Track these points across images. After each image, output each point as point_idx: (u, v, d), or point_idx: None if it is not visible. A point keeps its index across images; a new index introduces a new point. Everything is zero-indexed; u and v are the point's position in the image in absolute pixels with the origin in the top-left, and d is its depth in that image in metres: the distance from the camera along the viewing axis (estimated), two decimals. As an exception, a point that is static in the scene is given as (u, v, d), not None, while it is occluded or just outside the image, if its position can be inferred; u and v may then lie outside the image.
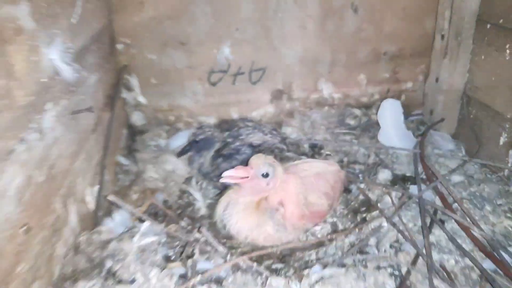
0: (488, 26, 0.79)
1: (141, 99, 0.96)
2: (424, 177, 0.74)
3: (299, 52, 0.97)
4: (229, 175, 0.64)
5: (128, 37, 0.91)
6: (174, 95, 0.97)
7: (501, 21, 0.76)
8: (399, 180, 0.76)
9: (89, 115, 0.64)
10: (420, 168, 0.76)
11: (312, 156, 0.89)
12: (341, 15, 0.93)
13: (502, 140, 0.77)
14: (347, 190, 0.78)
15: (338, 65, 0.99)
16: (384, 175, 0.78)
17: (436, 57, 0.94)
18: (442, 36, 0.89)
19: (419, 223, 0.65)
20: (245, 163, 0.65)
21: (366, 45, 0.97)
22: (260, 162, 0.66)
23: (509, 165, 0.75)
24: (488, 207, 0.67)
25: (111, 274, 0.52)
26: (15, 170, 0.40)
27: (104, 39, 0.82)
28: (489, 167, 0.79)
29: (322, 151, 0.92)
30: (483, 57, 0.81)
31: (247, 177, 0.66)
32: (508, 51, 0.74)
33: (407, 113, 1.01)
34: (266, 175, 0.65)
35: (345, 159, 0.86)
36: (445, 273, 0.55)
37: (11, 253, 0.39)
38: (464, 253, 0.55)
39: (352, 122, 0.96)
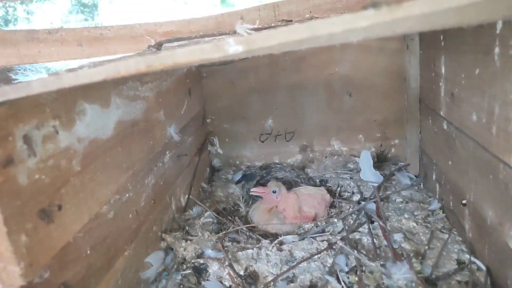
0: (423, 104, 1.21)
1: (219, 151, 1.51)
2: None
3: (316, 121, 1.42)
4: (254, 190, 1.18)
5: (213, 115, 1.48)
6: (239, 149, 1.49)
7: (426, 102, 1.18)
8: (362, 200, 1.19)
9: (186, 158, 1.25)
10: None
11: (320, 186, 1.36)
12: (341, 98, 1.39)
13: (434, 176, 1.16)
14: (332, 205, 1.23)
15: (342, 129, 1.43)
16: (355, 197, 1.23)
17: (404, 123, 1.36)
18: (405, 110, 1.32)
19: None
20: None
21: (360, 116, 1.40)
22: (271, 184, 1.18)
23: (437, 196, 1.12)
24: (406, 215, 1.07)
25: (186, 231, 1.07)
26: (152, 177, 0.99)
27: (199, 117, 1.45)
28: (428, 194, 1.18)
29: (328, 183, 1.39)
30: (424, 123, 1.23)
31: (264, 192, 1.18)
32: (430, 121, 1.15)
33: (392, 161, 1.43)
34: (274, 192, 1.16)
35: (339, 188, 1.32)
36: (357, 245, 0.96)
37: (148, 209, 0.97)
38: (371, 234, 0.98)
39: (352, 166, 1.41)
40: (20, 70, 2.32)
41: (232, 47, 0.41)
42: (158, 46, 0.87)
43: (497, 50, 0.71)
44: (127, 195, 0.81)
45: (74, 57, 1.45)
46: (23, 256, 0.49)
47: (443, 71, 1.00)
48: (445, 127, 1.02)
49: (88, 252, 0.64)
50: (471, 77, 0.83)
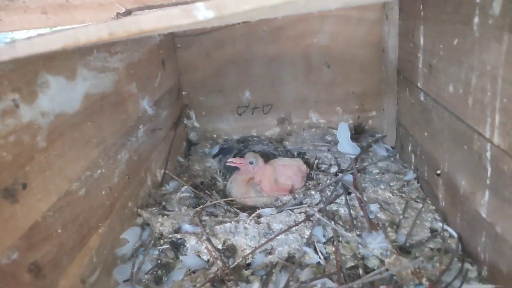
0: (401, 76, 1.21)
1: (196, 124, 1.47)
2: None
3: (294, 94, 1.40)
4: (231, 161, 1.17)
5: (188, 87, 1.43)
6: (215, 122, 1.46)
7: (404, 73, 1.18)
8: (339, 172, 1.20)
9: (161, 132, 1.21)
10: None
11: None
12: (319, 70, 1.38)
13: (409, 147, 1.17)
14: (310, 177, 1.24)
15: (320, 101, 1.42)
16: (333, 169, 1.23)
17: (382, 96, 1.36)
18: (383, 82, 1.32)
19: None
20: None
21: (339, 88, 1.39)
22: (249, 155, 1.16)
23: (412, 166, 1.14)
24: (382, 186, 1.08)
25: (163, 206, 1.06)
26: (125, 152, 0.96)
27: (174, 90, 1.41)
28: (403, 165, 1.20)
29: (306, 156, 1.38)
30: (401, 95, 1.23)
31: (241, 163, 1.17)
32: (408, 92, 1.15)
33: (369, 133, 1.44)
34: (251, 163, 1.15)
35: (317, 161, 1.32)
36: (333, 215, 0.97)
37: (122, 186, 0.94)
38: (348, 205, 0.99)
39: (329, 138, 1.41)
40: (-21, 40, 2.18)
41: (202, 12, 0.38)
42: (127, 14, 0.82)
43: (476, 20, 0.70)
44: (99, 171, 0.78)
45: (38, 26, 1.37)
46: (-14, 238, 0.47)
47: (421, 41, 0.99)
48: (422, 98, 1.02)
49: (59, 231, 0.62)
50: (450, 47, 0.82)
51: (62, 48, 0.40)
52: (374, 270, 0.77)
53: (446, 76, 0.85)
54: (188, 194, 1.09)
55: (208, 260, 0.84)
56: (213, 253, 0.83)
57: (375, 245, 0.82)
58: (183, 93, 1.45)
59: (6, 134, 0.53)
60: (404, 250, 0.84)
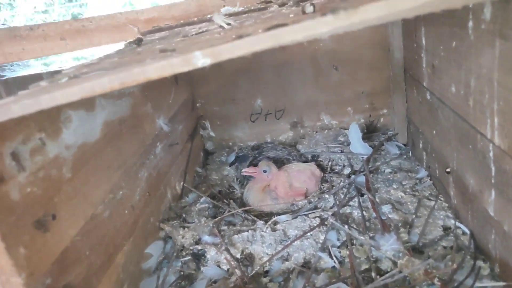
0: (408, 75, 1.22)
1: (212, 134, 1.52)
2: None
3: (304, 97, 1.43)
4: (245, 171, 1.21)
5: (202, 99, 1.48)
6: (230, 130, 1.50)
7: (410, 72, 1.19)
8: (352, 173, 1.22)
9: (178, 146, 1.27)
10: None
11: (311, 161, 1.39)
12: (327, 73, 1.39)
13: (421, 145, 1.19)
14: (324, 180, 1.27)
15: (331, 103, 1.44)
16: (346, 170, 1.26)
17: (391, 94, 1.37)
18: (391, 80, 1.33)
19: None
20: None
21: (348, 88, 1.40)
22: (262, 164, 1.21)
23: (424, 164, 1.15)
24: (394, 186, 1.10)
25: (183, 219, 1.11)
26: (144, 171, 1.02)
27: (188, 103, 1.46)
28: (416, 162, 1.21)
29: (319, 158, 1.41)
30: (409, 93, 1.24)
31: (255, 172, 1.21)
32: (415, 91, 1.17)
33: (382, 131, 1.46)
34: (264, 171, 1.19)
35: (330, 163, 1.35)
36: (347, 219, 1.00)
37: (143, 202, 1.00)
38: (361, 207, 1.01)
39: (342, 139, 1.43)
40: (7, 66, 2.30)
41: (200, 61, 0.42)
42: (138, 42, 0.87)
43: (470, 24, 0.71)
44: (121, 192, 0.84)
45: (58, 52, 1.45)
46: (23, 267, 0.52)
47: (423, 42, 1.00)
48: (428, 97, 1.03)
49: (87, 253, 0.68)
50: (449, 49, 0.83)
51: (81, 98, 0.45)
52: (387, 272, 0.80)
53: (448, 77, 0.87)
54: (206, 204, 1.14)
55: (228, 269, 0.88)
56: (232, 263, 0.87)
57: (388, 247, 0.84)
58: (197, 104, 1.50)
59: (35, 171, 0.59)
60: (417, 250, 0.86)
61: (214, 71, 1.44)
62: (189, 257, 0.94)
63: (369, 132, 1.43)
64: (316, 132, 1.47)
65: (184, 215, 1.09)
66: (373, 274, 0.78)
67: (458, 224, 0.91)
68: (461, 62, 0.78)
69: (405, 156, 1.26)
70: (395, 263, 0.82)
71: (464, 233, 0.89)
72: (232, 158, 1.43)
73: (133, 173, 0.91)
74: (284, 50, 1.39)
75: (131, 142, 0.92)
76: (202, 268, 0.90)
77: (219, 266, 0.89)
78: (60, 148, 0.65)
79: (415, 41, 1.07)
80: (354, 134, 1.29)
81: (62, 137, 0.66)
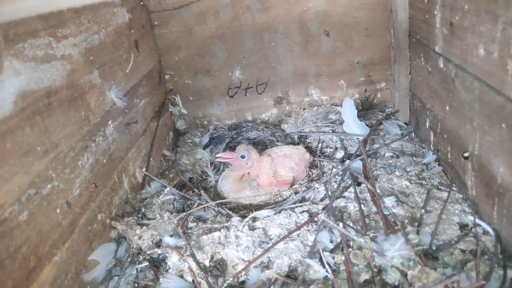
0: (414, 40, 1.02)
1: (183, 111, 1.32)
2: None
3: (291, 68, 1.24)
4: (220, 156, 1.01)
5: (171, 70, 1.27)
6: (205, 107, 1.31)
7: (418, 36, 0.99)
8: (346, 157, 1.04)
9: (139, 125, 1.06)
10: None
11: (299, 143, 1.20)
12: (318, 39, 1.20)
13: (427, 124, 1.00)
14: (314, 166, 1.08)
15: (322, 75, 1.25)
16: (339, 154, 1.07)
17: (391, 64, 1.17)
18: (392, 48, 1.13)
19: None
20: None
21: (341, 58, 1.22)
22: (239, 148, 1.01)
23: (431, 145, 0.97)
24: (397, 173, 0.92)
25: (142, 214, 0.91)
26: (88, 156, 0.80)
27: (154, 74, 1.24)
28: (420, 145, 1.03)
29: (307, 139, 1.22)
30: (414, 62, 1.04)
31: (232, 158, 1.02)
32: (423, 59, 0.97)
33: (379, 108, 1.27)
34: (242, 157, 0.99)
35: (320, 145, 1.16)
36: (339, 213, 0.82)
37: (87, 197, 0.80)
38: (358, 200, 0.83)
39: (334, 117, 1.24)
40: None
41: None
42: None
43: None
44: (49, 186, 0.63)
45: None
46: None
47: (438, -5, 0.81)
48: (441, 65, 0.84)
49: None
50: (478, -2, 0.64)
51: None
52: (394, 287, 0.62)
53: (474, 36, 0.68)
54: (172, 196, 0.94)
55: (193, 281, 0.69)
56: (198, 274, 0.68)
57: (394, 252, 0.67)
58: (166, 76, 1.29)
59: None
60: (429, 256, 0.69)
61: (184, 37, 1.23)
62: (147, 263, 0.75)
63: (364, 109, 1.25)
64: (304, 109, 1.28)
65: (143, 210, 0.89)
66: (377, 290, 0.61)
67: (478, 221, 0.73)
68: (497, 13, 0.59)
69: (407, 137, 1.08)
70: (404, 274, 0.64)
71: (485, 233, 0.72)
72: (206, 139, 1.23)
73: (69, 160, 0.70)
74: (267, 11, 1.18)
75: (67, 119, 0.71)
76: (160, 280, 0.71)
77: (182, 277, 0.71)
78: None
79: (426, -4, 0.87)
80: (348, 111, 1.10)
81: None
